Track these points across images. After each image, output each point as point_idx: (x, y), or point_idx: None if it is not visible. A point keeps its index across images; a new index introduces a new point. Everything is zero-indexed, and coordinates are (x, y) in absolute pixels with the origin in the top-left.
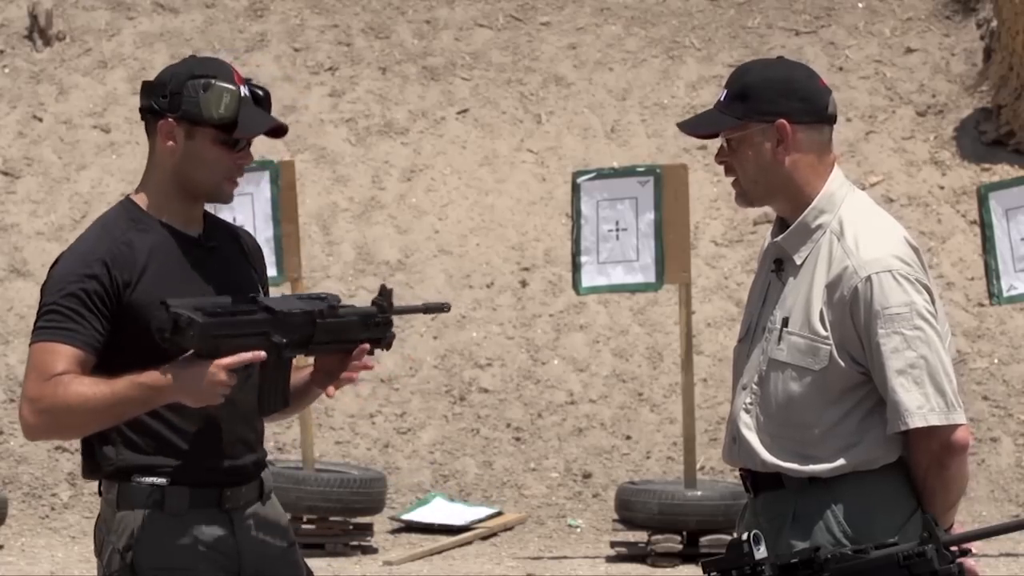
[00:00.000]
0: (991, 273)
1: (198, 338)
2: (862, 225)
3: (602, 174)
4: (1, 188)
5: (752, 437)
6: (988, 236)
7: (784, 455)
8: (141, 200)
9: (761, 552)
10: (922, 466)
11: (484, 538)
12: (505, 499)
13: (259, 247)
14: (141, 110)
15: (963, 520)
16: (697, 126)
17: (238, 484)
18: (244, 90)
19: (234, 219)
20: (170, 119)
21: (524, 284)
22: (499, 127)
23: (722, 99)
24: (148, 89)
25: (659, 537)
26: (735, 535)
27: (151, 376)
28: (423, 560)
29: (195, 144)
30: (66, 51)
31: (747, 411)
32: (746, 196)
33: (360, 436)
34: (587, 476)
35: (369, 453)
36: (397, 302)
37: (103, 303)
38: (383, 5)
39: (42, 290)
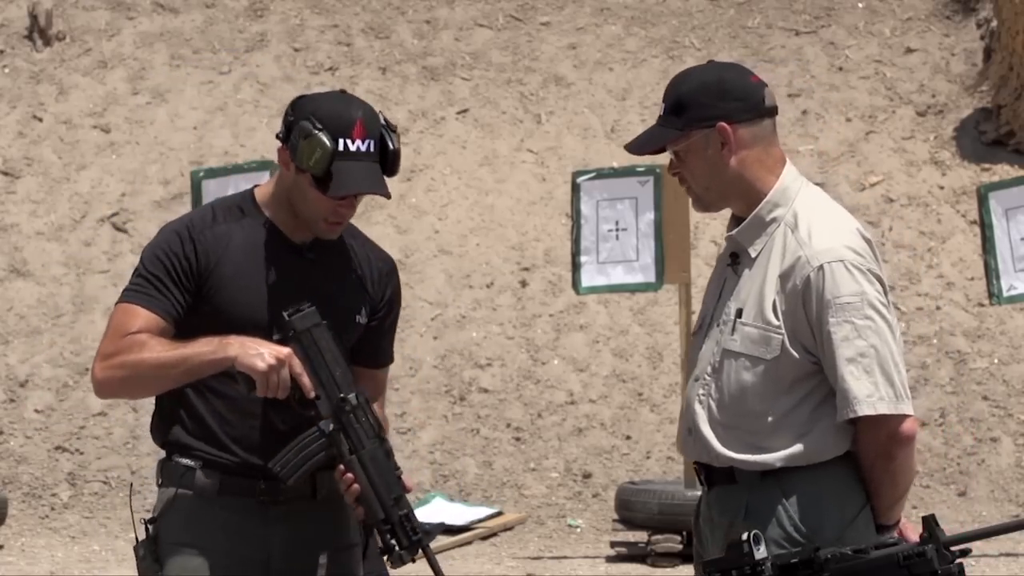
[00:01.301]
0: (991, 273)
1: (294, 339)
2: (815, 217)
3: (602, 174)
4: (1, 188)
5: (706, 429)
6: (988, 236)
7: (737, 447)
8: (261, 195)
9: (761, 552)
10: (869, 457)
11: (484, 538)
12: (505, 499)
13: (388, 275)
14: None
15: (963, 520)
16: (642, 145)
17: (276, 479)
18: (360, 144)
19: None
20: (285, 147)
21: (524, 284)
22: (499, 127)
23: (661, 113)
24: (288, 108)
25: (659, 537)
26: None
27: (212, 344)
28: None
29: (300, 180)
30: (66, 51)
31: (700, 402)
32: (702, 202)
33: None
34: (587, 476)
35: None
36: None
37: (187, 277)
38: (383, 5)
39: (142, 255)
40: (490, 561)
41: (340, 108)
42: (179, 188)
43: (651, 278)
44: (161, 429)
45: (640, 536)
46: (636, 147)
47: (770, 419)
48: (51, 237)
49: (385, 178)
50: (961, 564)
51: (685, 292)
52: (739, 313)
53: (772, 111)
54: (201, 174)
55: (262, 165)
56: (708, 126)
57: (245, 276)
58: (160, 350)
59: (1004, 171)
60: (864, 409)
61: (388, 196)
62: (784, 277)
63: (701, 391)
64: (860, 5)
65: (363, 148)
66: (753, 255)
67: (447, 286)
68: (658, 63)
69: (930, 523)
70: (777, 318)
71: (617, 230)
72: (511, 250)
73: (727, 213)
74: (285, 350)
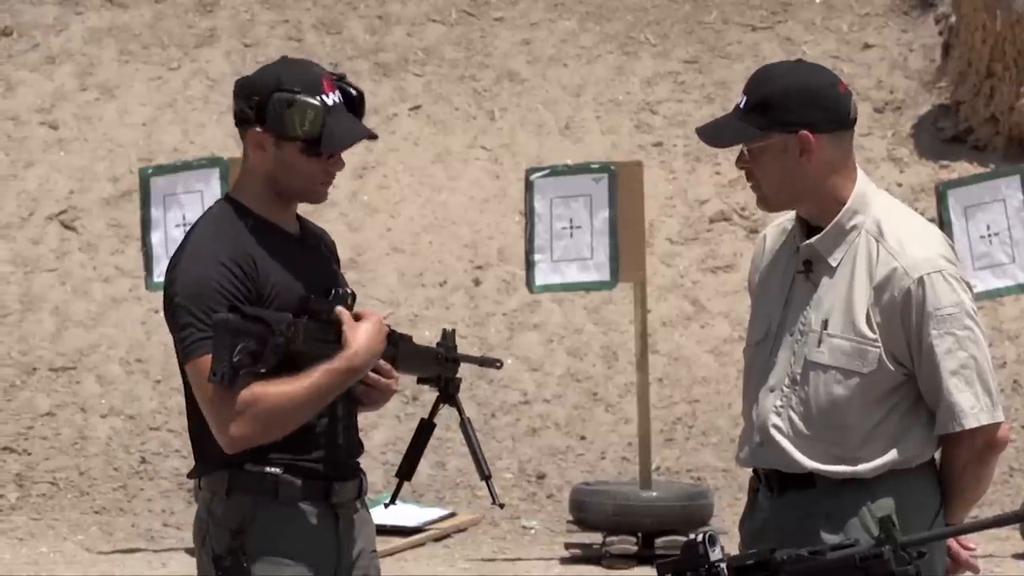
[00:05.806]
0: None
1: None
2: (901, 225)
3: (556, 171)
4: None
5: (784, 441)
6: (947, 234)
7: (822, 457)
8: (243, 196)
9: (716, 553)
10: (960, 463)
11: (437, 539)
12: (458, 500)
13: (335, 246)
14: (234, 113)
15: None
16: (717, 136)
17: (344, 480)
18: (334, 97)
19: (183, 216)
20: (258, 129)
21: (477, 283)
22: (452, 124)
23: (741, 105)
24: (238, 93)
25: (614, 538)
26: (745, 538)
27: (342, 360)
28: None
29: (284, 154)
30: (13, 46)
31: (778, 413)
32: (768, 202)
33: None
34: (541, 477)
35: None
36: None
37: (246, 299)
38: (334, 0)
39: (175, 297)
40: (443, 563)
41: (301, 71)
42: (128, 185)
43: (606, 276)
44: (214, 448)
45: (595, 537)
46: (709, 137)
47: (861, 432)
48: None
49: None
50: (918, 565)
51: (640, 291)
52: (825, 324)
53: (854, 122)
54: (150, 171)
55: (212, 162)
56: (790, 131)
57: (280, 279)
58: (292, 394)
59: (963, 168)
60: (970, 423)
61: (376, 136)
62: (880, 289)
63: (779, 402)
64: (817, 0)
65: (338, 100)
66: (833, 264)
67: (399, 285)
68: (613, 59)
69: (887, 524)
70: (873, 331)
71: (571, 228)
72: (464, 248)
73: (684, 212)
74: (372, 323)
